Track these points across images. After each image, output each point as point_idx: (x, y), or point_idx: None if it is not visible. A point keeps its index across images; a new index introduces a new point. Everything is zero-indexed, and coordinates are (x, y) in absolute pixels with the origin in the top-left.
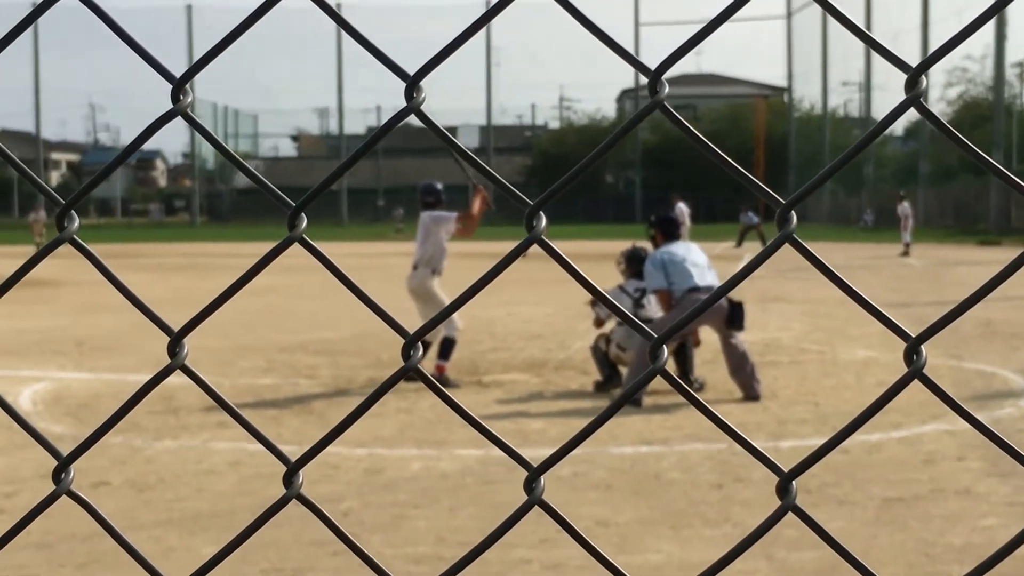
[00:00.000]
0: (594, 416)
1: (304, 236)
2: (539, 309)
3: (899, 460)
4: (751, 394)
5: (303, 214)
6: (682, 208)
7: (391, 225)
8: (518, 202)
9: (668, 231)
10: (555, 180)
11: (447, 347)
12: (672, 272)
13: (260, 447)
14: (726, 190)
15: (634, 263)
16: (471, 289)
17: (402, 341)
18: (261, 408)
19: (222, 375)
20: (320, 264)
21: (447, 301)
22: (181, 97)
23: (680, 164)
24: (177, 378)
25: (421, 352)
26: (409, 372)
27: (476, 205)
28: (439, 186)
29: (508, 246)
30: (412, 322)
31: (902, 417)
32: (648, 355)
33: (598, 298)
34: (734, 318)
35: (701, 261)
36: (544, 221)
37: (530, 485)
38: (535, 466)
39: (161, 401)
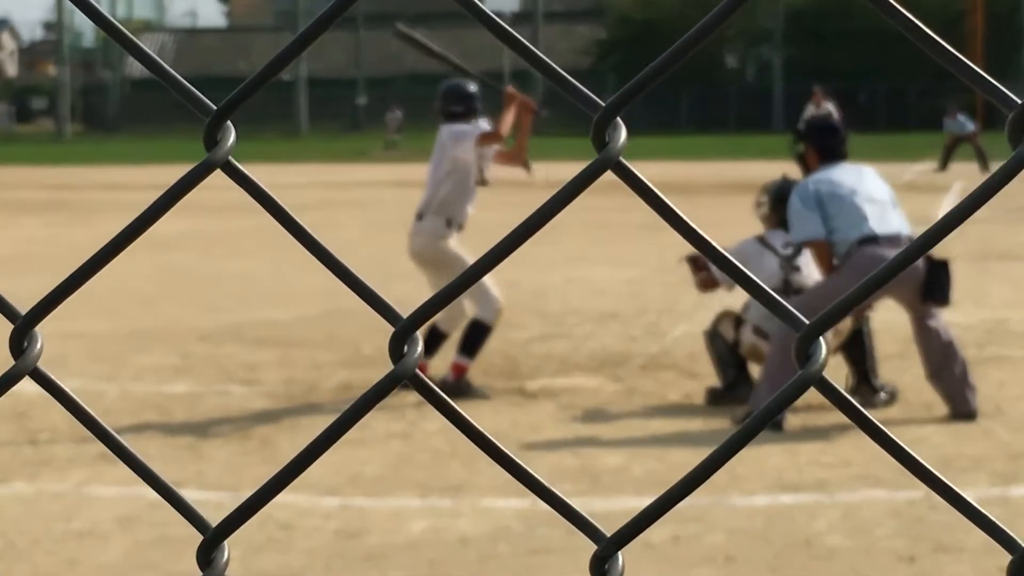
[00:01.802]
0: (703, 448)
1: (231, 159)
2: (617, 272)
3: None
4: (962, 409)
5: (229, 124)
6: (830, 109)
7: (381, 136)
8: (581, 102)
9: (826, 146)
10: (644, 64)
11: (476, 336)
12: (834, 212)
13: None
14: (921, 80)
15: (783, 205)
16: (502, 245)
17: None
18: (171, 431)
19: (108, 378)
20: (263, 199)
21: None
22: None
23: (844, 38)
24: (34, 385)
25: (420, 348)
26: (402, 382)
27: (508, 116)
28: (472, 89)
29: (568, 171)
30: (413, 299)
31: None
32: (796, 353)
33: (710, 256)
34: (934, 286)
35: (881, 195)
36: (624, 134)
37: (602, 567)
38: (608, 536)
39: (10, 421)
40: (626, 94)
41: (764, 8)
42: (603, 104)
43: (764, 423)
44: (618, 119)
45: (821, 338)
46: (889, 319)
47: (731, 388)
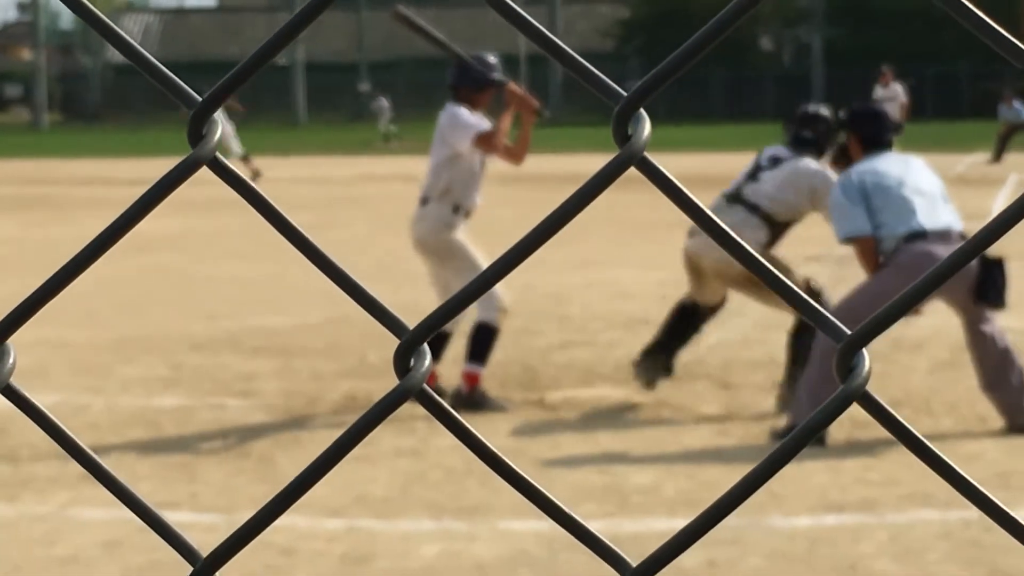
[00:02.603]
0: (739, 464)
1: (219, 155)
2: (645, 274)
3: None
4: (1020, 421)
5: (216, 117)
6: (898, 91)
7: (379, 128)
8: (601, 92)
9: (871, 135)
10: (670, 46)
11: (482, 340)
12: (880, 205)
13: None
14: (972, 62)
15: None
16: (519, 247)
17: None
18: (161, 449)
19: (92, 391)
20: (254, 199)
21: (481, 262)
22: None
23: (890, 18)
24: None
25: (429, 362)
26: (410, 397)
27: (507, 118)
28: (491, 58)
29: (586, 164)
30: (424, 306)
31: None
32: (837, 366)
33: (739, 258)
34: (987, 287)
35: (930, 186)
36: (648, 127)
37: None
38: (634, 566)
39: None
40: (650, 83)
41: None
42: (625, 94)
43: (805, 441)
44: (641, 111)
45: (864, 350)
46: (940, 324)
47: (659, 348)
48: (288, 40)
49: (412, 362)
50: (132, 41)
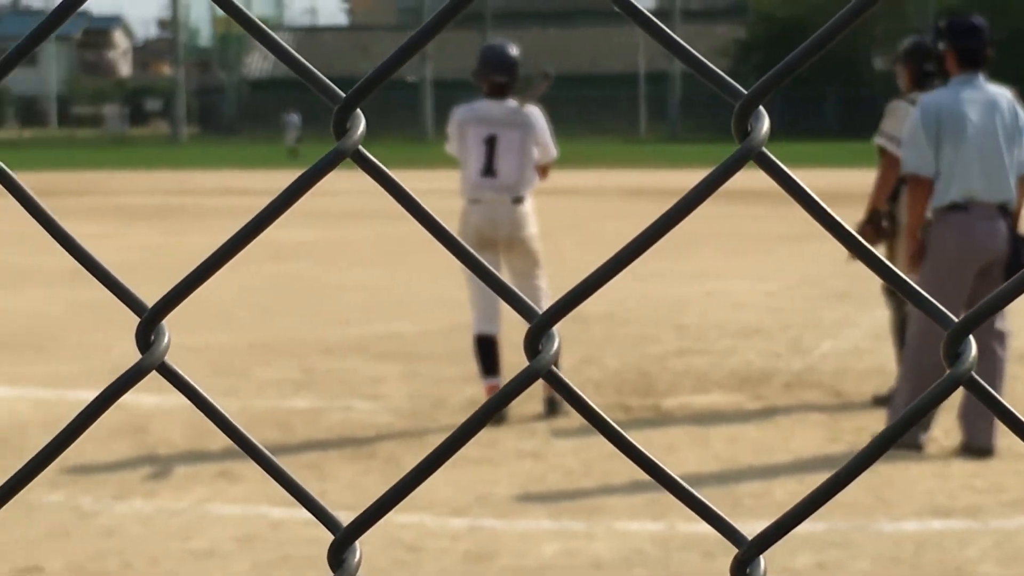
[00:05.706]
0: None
1: (361, 148)
2: (758, 285)
3: None
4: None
5: (359, 112)
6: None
7: (285, 143)
8: (722, 89)
9: (968, 49)
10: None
11: (487, 352)
12: (946, 153)
13: (289, 512)
14: None
15: (913, 57)
16: (643, 237)
17: (514, 335)
18: (292, 448)
19: (228, 393)
20: (386, 207)
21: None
22: None
23: (1004, 37)
24: (154, 396)
25: (558, 344)
26: (539, 377)
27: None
28: (516, 53)
29: (679, 178)
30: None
31: None
32: (944, 352)
33: (857, 253)
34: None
35: (1005, 146)
36: (767, 123)
37: (743, 572)
38: (749, 539)
39: (128, 435)
40: (769, 81)
41: (914, 5)
42: (745, 92)
43: (918, 419)
44: (761, 108)
45: (971, 336)
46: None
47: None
48: (426, 40)
49: (541, 345)
50: (284, 44)
